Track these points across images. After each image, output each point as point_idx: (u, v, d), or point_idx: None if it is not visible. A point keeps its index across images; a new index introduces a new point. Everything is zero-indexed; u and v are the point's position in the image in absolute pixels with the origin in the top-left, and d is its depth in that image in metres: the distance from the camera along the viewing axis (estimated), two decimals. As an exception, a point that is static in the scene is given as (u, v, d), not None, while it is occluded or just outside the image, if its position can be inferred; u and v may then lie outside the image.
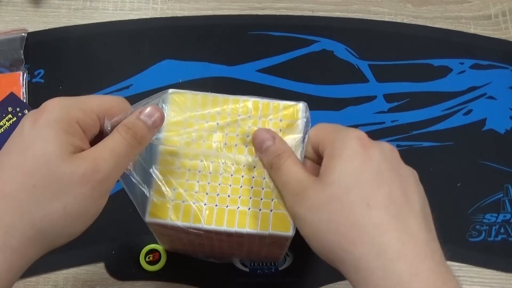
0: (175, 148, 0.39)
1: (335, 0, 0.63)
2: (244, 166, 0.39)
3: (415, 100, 0.58)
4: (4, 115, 0.55)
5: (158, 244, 0.50)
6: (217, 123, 0.40)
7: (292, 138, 0.39)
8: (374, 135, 0.57)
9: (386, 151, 0.34)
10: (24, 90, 0.56)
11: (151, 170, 0.38)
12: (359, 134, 0.34)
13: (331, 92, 0.58)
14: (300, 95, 0.57)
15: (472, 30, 0.62)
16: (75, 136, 0.32)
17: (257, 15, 0.62)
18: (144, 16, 0.61)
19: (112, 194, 0.52)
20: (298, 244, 0.51)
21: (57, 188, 0.31)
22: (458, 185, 0.55)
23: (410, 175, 0.35)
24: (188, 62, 0.59)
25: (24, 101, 0.56)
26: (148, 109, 0.36)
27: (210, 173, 0.39)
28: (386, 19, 0.62)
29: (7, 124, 0.54)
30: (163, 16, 0.61)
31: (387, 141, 0.56)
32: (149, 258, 0.49)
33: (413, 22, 0.62)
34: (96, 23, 0.61)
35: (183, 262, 0.50)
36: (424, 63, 0.60)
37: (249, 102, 0.41)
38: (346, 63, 0.59)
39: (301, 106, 0.40)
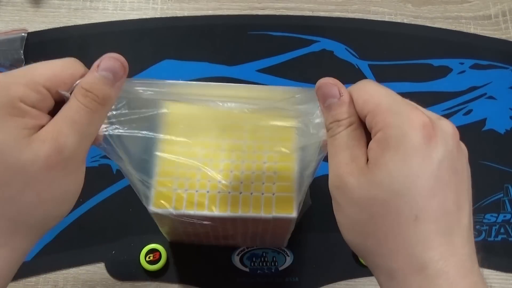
0: (174, 138, 0.39)
1: (335, 0, 0.63)
2: (245, 151, 0.39)
3: (415, 100, 0.58)
4: (4, 115, 0.55)
5: (158, 243, 0.50)
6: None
7: (289, 125, 0.36)
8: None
9: (449, 142, 0.29)
10: (24, 90, 0.56)
11: (152, 161, 0.38)
12: (423, 121, 0.28)
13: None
14: (300, 95, 0.57)
15: (472, 30, 0.62)
16: (25, 116, 0.28)
17: (257, 15, 0.62)
18: (144, 16, 0.61)
19: (112, 194, 0.53)
20: (298, 244, 0.51)
21: (23, 179, 0.28)
22: (458, 185, 0.55)
23: (464, 169, 0.31)
24: (188, 62, 0.59)
25: (24, 101, 0.56)
26: (104, 61, 0.30)
27: (211, 160, 0.39)
28: (386, 19, 0.62)
29: (7, 124, 0.54)
30: (163, 16, 0.61)
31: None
32: (149, 258, 0.49)
33: (413, 22, 0.62)
34: (96, 23, 0.61)
35: (183, 262, 0.50)
36: (424, 63, 0.60)
37: (246, 90, 0.38)
38: (346, 63, 0.59)
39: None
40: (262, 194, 0.38)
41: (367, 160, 0.29)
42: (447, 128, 0.30)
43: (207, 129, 0.40)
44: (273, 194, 0.38)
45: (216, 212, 0.38)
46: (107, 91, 0.30)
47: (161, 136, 0.38)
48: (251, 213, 0.38)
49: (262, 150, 0.39)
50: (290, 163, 0.39)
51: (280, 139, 0.39)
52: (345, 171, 0.29)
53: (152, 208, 0.38)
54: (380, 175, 0.28)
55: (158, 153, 0.39)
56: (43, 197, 0.29)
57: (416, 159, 0.27)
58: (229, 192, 0.38)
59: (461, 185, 0.30)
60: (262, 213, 0.38)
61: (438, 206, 0.28)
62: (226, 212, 0.38)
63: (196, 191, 0.38)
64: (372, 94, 0.31)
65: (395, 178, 0.28)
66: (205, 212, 0.38)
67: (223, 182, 0.38)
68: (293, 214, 0.38)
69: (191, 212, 0.38)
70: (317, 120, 0.32)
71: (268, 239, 0.46)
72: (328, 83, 0.32)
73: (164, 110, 0.38)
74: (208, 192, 0.38)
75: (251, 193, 0.38)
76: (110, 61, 0.30)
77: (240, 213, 0.38)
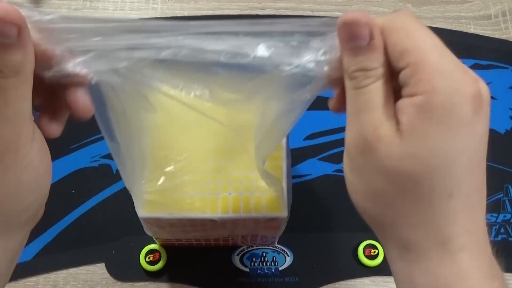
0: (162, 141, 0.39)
1: (335, 0, 0.63)
2: (232, 152, 0.39)
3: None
4: (4, 115, 0.55)
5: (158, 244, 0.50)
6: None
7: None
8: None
9: (489, 112, 0.25)
10: (24, 90, 0.56)
11: (139, 166, 0.38)
12: (475, 90, 0.24)
13: (331, 92, 0.58)
14: (300, 95, 0.57)
15: (472, 30, 0.62)
16: None
17: (257, 15, 0.62)
18: (144, 16, 0.61)
19: (112, 194, 0.53)
20: (298, 244, 0.51)
21: None
22: (458, 185, 0.55)
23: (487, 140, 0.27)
24: (188, 62, 0.59)
25: (24, 101, 0.55)
26: None
27: (198, 162, 0.38)
28: (386, 19, 0.62)
29: (7, 124, 0.54)
30: (163, 16, 0.61)
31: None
32: (149, 258, 0.49)
33: (413, 22, 0.62)
34: (96, 23, 0.61)
35: (183, 262, 0.50)
36: (424, 63, 0.60)
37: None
38: (346, 63, 0.59)
39: None
40: (252, 194, 0.38)
41: (397, 123, 0.25)
42: (487, 96, 0.26)
43: (193, 130, 0.39)
44: (263, 194, 0.38)
45: (207, 214, 0.37)
46: (11, 58, 0.24)
47: (148, 144, 0.38)
48: (241, 213, 0.37)
49: (249, 151, 0.39)
50: (278, 162, 0.39)
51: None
52: (374, 135, 0.25)
53: (142, 213, 0.37)
54: (417, 147, 0.24)
55: (146, 155, 0.39)
56: (6, 189, 0.26)
57: (462, 134, 0.24)
58: (218, 194, 0.38)
59: (485, 161, 0.27)
60: (253, 213, 0.37)
61: (471, 182, 0.26)
62: (217, 214, 0.37)
63: (186, 193, 0.38)
64: (416, 41, 0.25)
65: (435, 153, 0.24)
66: (195, 215, 0.37)
67: (212, 183, 0.38)
68: (284, 213, 0.38)
69: (181, 215, 0.37)
70: (321, 56, 0.26)
71: (259, 239, 0.46)
72: (357, 19, 0.25)
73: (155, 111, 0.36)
74: (198, 194, 0.38)
75: (241, 193, 0.38)
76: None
77: (230, 214, 0.37)
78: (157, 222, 0.39)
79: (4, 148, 0.25)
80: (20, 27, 0.23)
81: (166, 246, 0.49)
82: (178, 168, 0.38)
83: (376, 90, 0.26)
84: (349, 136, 0.27)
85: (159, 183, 0.38)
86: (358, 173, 0.27)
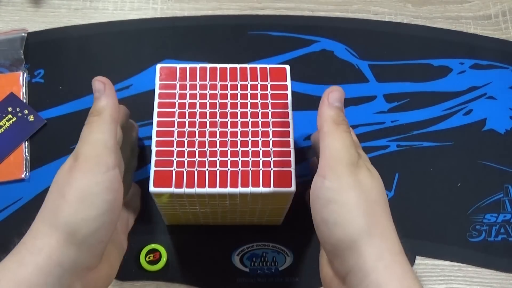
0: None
1: (335, 0, 0.63)
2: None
3: (415, 100, 0.58)
4: (4, 115, 0.55)
5: (158, 243, 0.50)
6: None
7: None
8: (374, 135, 0.57)
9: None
10: (24, 90, 0.56)
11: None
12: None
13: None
14: (300, 95, 0.57)
15: (472, 30, 0.62)
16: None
17: (257, 15, 0.62)
18: (144, 16, 0.61)
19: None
20: (298, 244, 0.51)
21: (54, 186, 0.36)
22: (458, 185, 0.55)
23: None
24: (188, 62, 0.59)
25: (24, 101, 0.56)
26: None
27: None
28: (386, 19, 0.62)
29: (7, 124, 0.54)
30: (163, 16, 0.61)
31: (387, 141, 0.56)
32: (149, 258, 0.49)
33: (413, 22, 0.62)
34: (96, 23, 0.61)
35: (183, 262, 0.50)
36: (424, 63, 0.60)
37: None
38: (346, 63, 0.59)
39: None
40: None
41: None
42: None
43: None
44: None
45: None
46: (97, 104, 0.37)
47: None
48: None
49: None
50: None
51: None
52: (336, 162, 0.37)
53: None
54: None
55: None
56: (67, 198, 0.33)
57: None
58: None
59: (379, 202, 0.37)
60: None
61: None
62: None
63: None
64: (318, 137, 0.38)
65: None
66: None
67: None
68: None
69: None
70: None
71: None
72: (336, 89, 0.39)
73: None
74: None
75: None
76: (93, 84, 0.38)
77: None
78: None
79: (86, 158, 0.34)
80: (105, 84, 0.38)
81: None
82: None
83: (343, 136, 0.37)
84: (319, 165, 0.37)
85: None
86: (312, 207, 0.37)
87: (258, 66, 0.43)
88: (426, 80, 0.59)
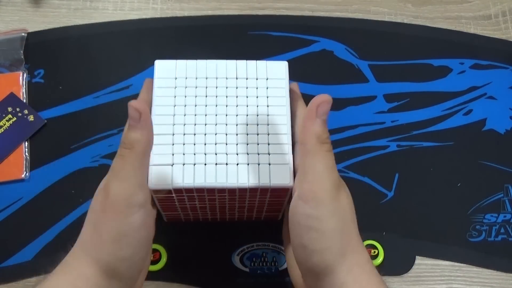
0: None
1: (335, 0, 0.63)
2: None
3: (415, 100, 0.58)
4: (4, 115, 0.55)
5: (158, 243, 0.50)
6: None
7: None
8: (374, 135, 0.57)
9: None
10: (24, 90, 0.56)
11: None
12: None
13: (331, 92, 0.58)
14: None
15: (472, 30, 0.62)
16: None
17: (257, 15, 0.62)
18: (144, 16, 0.61)
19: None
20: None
21: (89, 221, 0.37)
22: (458, 185, 0.55)
23: None
24: (188, 62, 0.59)
25: (24, 101, 0.56)
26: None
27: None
28: (386, 19, 0.62)
29: (7, 124, 0.54)
30: (163, 16, 0.61)
31: (387, 141, 0.56)
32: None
33: (413, 22, 0.62)
34: (96, 23, 0.61)
35: (183, 262, 0.50)
36: (424, 63, 0.60)
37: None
38: (346, 63, 0.60)
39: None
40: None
41: None
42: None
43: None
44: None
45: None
46: (130, 135, 0.34)
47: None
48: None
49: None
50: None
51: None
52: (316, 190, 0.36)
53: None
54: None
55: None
56: (104, 238, 0.34)
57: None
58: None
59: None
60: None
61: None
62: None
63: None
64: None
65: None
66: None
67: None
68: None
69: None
70: None
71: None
72: (325, 98, 0.35)
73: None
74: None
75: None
76: (129, 109, 0.33)
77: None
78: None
79: (117, 198, 0.34)
80: (141, 113, 0.33)
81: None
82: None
83: (327, 160, 0.36)
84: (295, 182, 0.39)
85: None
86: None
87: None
88: (426, 80, 0.59)
